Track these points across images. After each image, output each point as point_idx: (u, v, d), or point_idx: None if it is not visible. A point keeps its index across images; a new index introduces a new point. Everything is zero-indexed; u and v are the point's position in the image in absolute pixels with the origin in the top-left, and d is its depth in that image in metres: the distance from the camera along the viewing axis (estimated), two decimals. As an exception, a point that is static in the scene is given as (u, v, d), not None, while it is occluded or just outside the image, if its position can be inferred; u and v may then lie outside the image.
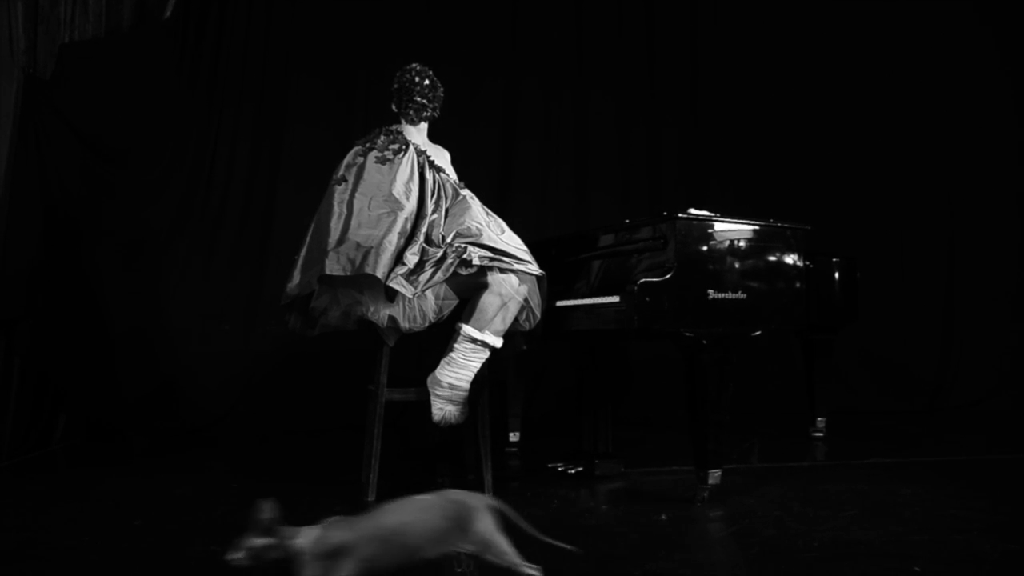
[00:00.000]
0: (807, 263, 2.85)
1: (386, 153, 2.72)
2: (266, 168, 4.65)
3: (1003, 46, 5.37)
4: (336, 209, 2.58)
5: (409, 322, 2.57)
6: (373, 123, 2.91)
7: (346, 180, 2.66)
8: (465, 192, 2.77)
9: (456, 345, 2.55)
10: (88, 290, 4.04)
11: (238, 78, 4.64)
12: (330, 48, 4.78)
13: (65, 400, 4.02)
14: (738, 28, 5.27)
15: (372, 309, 2.56)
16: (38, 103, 3.75)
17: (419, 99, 2.85)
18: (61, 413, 4.03)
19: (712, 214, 2.63)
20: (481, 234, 2.58)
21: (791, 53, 5.26)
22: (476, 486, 2.74)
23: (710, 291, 2.55)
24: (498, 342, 2.57)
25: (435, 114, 2.92)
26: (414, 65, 2.90)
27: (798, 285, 2.77)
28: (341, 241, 2.51)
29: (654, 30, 5.21)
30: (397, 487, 2.79)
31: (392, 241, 2.50)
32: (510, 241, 2.65)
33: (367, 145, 2.76)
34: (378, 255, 2.46)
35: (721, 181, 5.14)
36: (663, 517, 2.35)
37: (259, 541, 1.41)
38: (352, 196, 2.60)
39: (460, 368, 2.54)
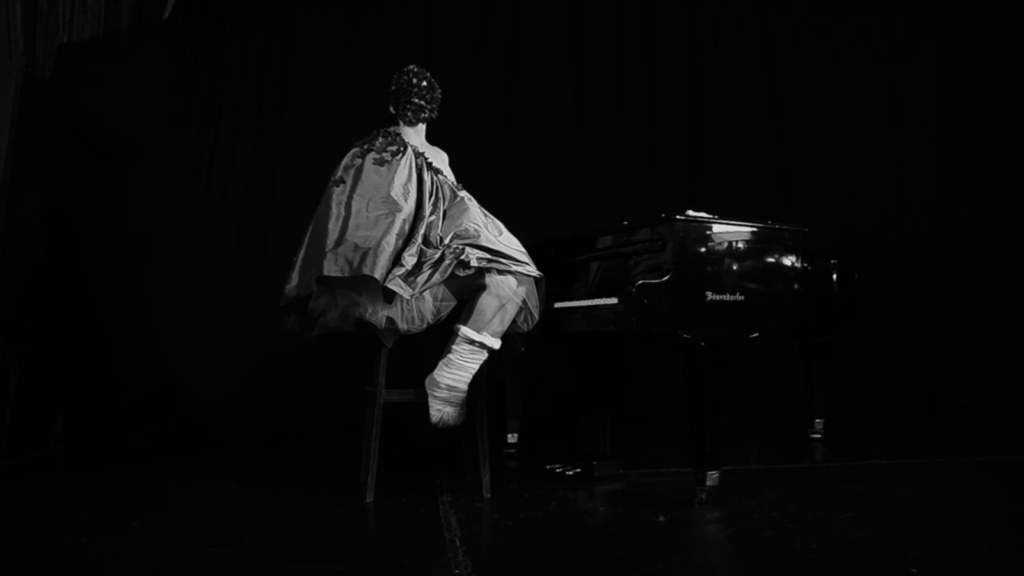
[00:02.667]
0: (805, 264, 2.86)
1: (384, 155, 2.72)
2: (265, 168, 4.64)
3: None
4: (334, 210, 2.59)
5: (407, 323, 2.58)
6: (372, 124, 2.90)
7: (344, 182, 2.66)
8: (463, 194, 2.77)
9: (454, 347, 2.55)
10: (87, 290, 4.04)
11: (237, 78, 4.63)
12: (329, 48, 4.77)
13: (63, 400, 4.02)
14: (737, 32, 5.27)
15: (370, 310, 2.57)
16: (37, 103, 3.75)
17: (417, 100, 2.84)
18: (59, 413, 4.03)
19: (710, 216, 2.63)
20: (479, 235, 2.58)
21: (789, 56, 5.26)
22: (474, 487, 2.75)
23: (708, 293, 2.55)
24: (496, 343, 2.58)
25: (433, 115, 2.91)
26: (411, 67, 2.89)
27: (796, 287, 2.77)
28: (339, 242, 2.52)
29: (654, 33, 5.20)
30: (395, 488, 2.81)
31: (390, 242, 2.51)
32: (508, 242, 2.65)
33: (365, 147, 2.76)
34: (376, 256, 2.46)
35: (720, 185, 5.12)
36: (661, 519, 2.35)
37: None
38: (350, 197, 2.61)
39: (458, 369, 2.54)
